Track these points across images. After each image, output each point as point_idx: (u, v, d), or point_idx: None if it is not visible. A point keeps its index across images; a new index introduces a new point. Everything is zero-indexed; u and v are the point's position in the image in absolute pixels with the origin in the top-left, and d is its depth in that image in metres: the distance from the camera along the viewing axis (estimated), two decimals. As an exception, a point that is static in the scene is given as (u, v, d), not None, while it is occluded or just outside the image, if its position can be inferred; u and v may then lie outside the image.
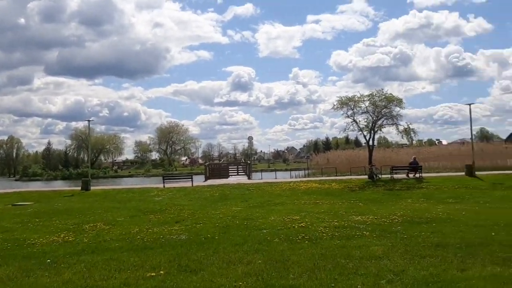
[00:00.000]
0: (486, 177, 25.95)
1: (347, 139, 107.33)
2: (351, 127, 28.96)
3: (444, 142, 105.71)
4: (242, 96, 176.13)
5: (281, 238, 9.00)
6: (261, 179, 34.99)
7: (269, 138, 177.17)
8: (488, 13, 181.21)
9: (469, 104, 28.92)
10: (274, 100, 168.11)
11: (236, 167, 42.39)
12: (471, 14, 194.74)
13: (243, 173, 38.48)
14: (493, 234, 8.34)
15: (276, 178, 36.76)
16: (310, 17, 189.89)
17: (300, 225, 10.78)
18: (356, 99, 28.30)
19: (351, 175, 33.49)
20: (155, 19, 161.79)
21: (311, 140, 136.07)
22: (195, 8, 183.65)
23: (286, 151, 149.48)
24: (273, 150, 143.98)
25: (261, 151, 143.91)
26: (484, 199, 17.08)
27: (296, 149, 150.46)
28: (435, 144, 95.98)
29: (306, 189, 22.73)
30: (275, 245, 8.24)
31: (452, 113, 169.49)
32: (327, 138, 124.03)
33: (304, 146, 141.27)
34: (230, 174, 38.63)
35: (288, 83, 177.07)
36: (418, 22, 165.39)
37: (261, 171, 53.44)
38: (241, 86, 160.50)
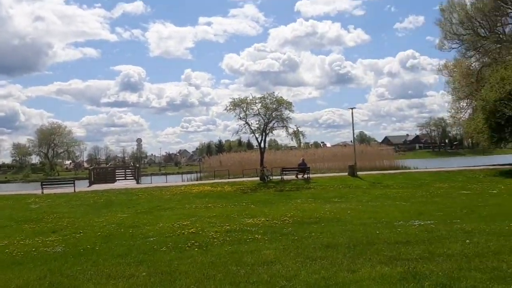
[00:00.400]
0: (366, 176, 27.73)
1: (239, 142, 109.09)
2: (244, 129, 29.13)
3: (328, 144, 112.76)
4: (131, 97, 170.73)
5: (169, 246, 8.39)
6: (151, 183, 33.70)
7: (161, 141, 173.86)
8: (366, 25, 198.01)
9: (351, 109, 30.88)
10: (166, 101, 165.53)
11: (123, 171, 40.28)
12: (351, 25, 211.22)
13: (132, 177, 36.68)
14: (377, 232, 8.60)
15: (167, 181, 35.61)
16: (202, 19, 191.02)
17: (190, 231, 10.25)
18: (249, 101, 28.53)
19: (243, 177, 33.67)
20: (36, 12, 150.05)
21: (204, 142, 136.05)
22: (81, 2, 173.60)
23: (178, 154, 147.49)
24: (164, 153, 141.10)
25: (152, 154, 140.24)
26: (366, 197, 18.08)
27: (189, 152, 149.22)
28: (321, 146, 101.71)
29: (198, 192, 22.23)
30: (162, 255, 7.61)
31: (334, 117, 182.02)
32: (220, 141, 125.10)
33: (197, 149, 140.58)
34: (117, 178, 36.59)
35: (180, 84, 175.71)
36: (305, 30, 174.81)
37: (151, 175, 51.70)
38: (130, 86, 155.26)
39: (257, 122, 28.72)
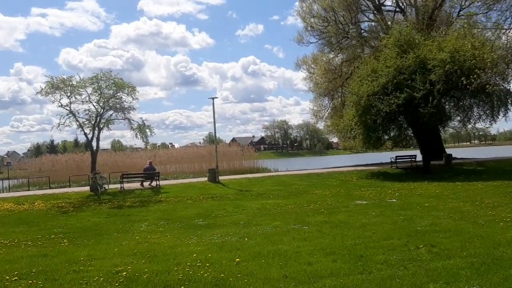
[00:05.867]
0: (230, 182, 22.68)
1: (76, 142, 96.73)
2: (67, 122, 21.20)
3: (177, 145, 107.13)
4: None
5: None
6: None
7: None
8: (209, 29, 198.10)
9: (213, 98, 25.43)
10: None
11: None
12: (195, 28, 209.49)
13: None
14: None
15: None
16: (35, 10, 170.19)
17: None
18: (75, 83, 20.84)
19: (70, 186, 25.92)
20: None
21: (36, 143, 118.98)
22: None
23: (6, 156, 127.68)
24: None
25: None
26: (242, 216, 12.74)
27: (19, 154, 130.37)
28: (169, 147, 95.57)
29: (-13, 214, 14.56)
30: None
31: (181, 119, 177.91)
32: (52, 141, 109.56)
33: (28, 150, 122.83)
34: None
35: (9, 79, 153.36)
36: (149, 29, 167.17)
37: None
38: None
39: (87, 112, 21.28)
